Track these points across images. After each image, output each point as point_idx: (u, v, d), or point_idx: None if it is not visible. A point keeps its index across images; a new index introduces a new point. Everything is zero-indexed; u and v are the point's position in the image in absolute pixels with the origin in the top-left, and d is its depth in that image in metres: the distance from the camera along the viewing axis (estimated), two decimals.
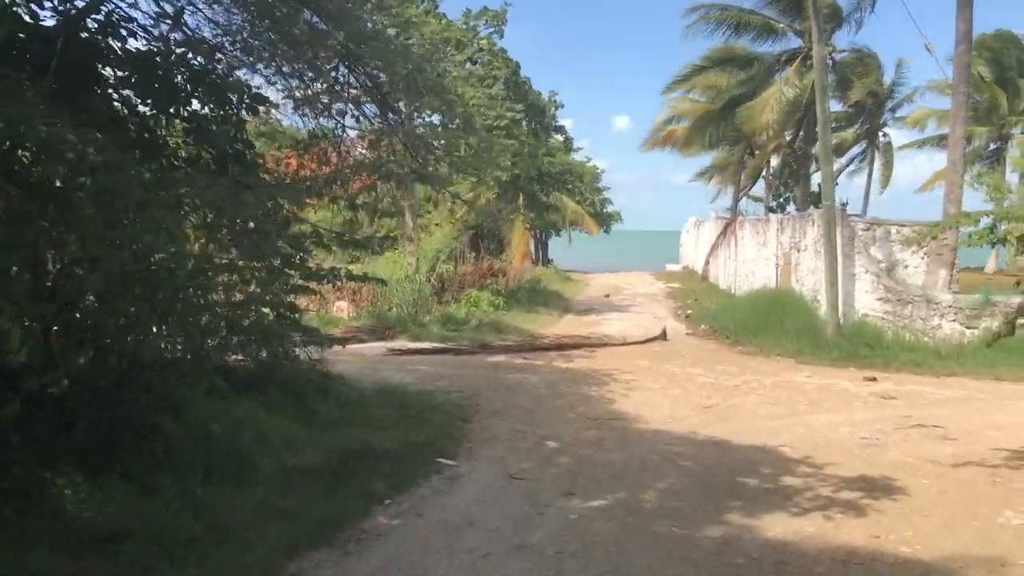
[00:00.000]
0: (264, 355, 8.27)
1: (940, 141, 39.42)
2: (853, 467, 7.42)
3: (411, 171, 11.24)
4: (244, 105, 6.92)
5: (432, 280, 19.92)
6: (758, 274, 22.64)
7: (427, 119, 10.92)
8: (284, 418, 7.65)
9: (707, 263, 31.97)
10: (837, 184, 33.78)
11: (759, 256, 22.73)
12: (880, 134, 37.04)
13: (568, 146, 22.89)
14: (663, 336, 16.34)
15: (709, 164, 36.83)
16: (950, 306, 14.47)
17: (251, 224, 5.87)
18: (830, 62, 28.74)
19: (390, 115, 10.48)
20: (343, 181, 9.22)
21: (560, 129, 21.36)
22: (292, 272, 6.43)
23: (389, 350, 13.77)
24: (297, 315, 8.48)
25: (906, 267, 16.72)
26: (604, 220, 51.93)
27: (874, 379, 12.03)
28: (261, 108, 7.34)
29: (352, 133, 10.92)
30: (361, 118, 10.59)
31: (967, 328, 14.32)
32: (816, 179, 27.20)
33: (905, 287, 14.95)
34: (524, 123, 19.87)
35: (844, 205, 15.85)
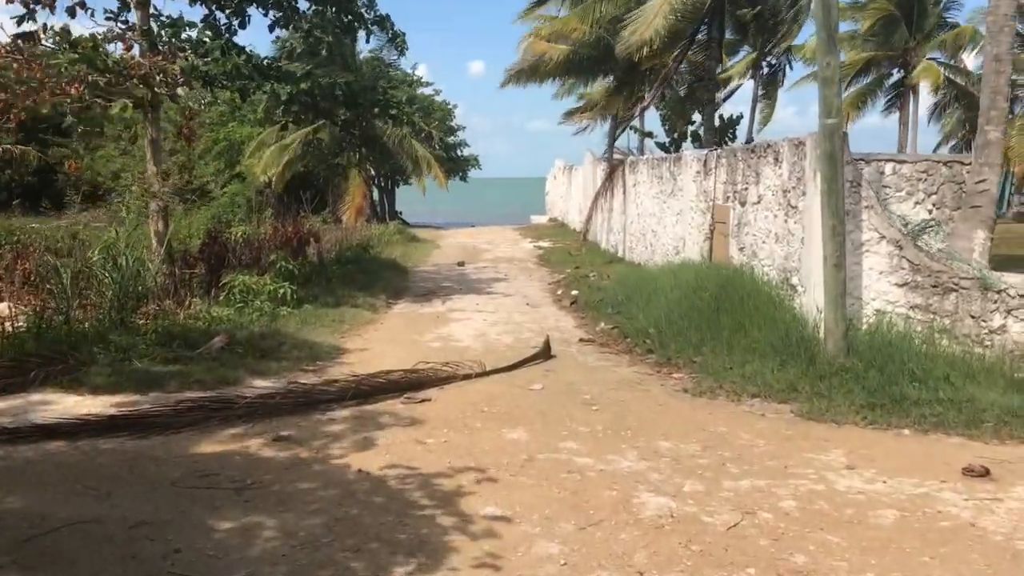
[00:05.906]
0: None
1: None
2: None
3: None
4: None
5: (171, 259, 12.36)
6: (663, 236, 16.44)
7: None
8: None
9: (589, 218, 25.67)
10: (742, 117, 28.31)
11: (665, 210, 16.51)
12: (765, 64, 31.09)
13: (401, 49, 15.52)
14: (547, 351, 9.78)
15: (580, 101, 30.10)
16: (1022, 295, 8.63)
17: None
18: None
19: None
20: None
21: (380, 22, 13.85)
22: None
23: None
24: None
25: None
26: (460, 166, 45.01)
27: (985, 472, 5.92)
28: None
29: None
30: None
31: None
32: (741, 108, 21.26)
33: (945, 263, 8.98)
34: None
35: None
